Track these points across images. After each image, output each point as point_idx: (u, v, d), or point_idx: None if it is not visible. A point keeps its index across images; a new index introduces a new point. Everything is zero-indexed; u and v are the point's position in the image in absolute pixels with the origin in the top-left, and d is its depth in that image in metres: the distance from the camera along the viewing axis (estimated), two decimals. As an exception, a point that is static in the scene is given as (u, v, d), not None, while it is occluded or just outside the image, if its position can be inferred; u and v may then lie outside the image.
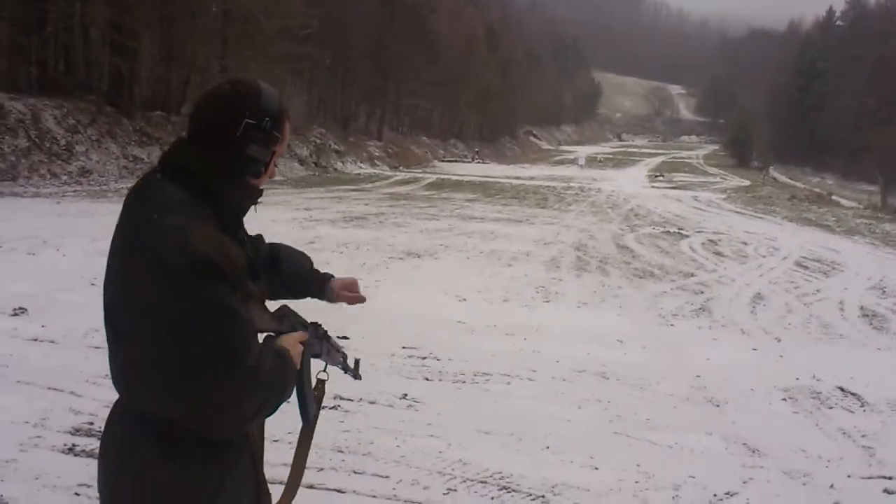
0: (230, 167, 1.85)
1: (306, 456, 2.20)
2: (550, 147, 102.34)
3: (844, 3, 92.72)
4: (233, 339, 1.69)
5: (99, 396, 5.13)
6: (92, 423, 4.80)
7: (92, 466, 4.08)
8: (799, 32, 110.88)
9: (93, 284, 8.33)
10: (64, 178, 22.09)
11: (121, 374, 1.82)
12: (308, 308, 2.24)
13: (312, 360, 2.14)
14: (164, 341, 1.66)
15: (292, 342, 1.96)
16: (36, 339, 6.68)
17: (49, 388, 5.43)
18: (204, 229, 1.73)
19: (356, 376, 2.41)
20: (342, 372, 2.37)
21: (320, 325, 2.16)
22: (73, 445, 4.53)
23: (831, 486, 4.69)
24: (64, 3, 26.34)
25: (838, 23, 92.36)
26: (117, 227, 1.85)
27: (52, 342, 6.63)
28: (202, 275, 1.67)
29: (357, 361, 2.41)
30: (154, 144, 26.62)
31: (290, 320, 2.02)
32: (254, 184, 1.92)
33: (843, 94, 73.48)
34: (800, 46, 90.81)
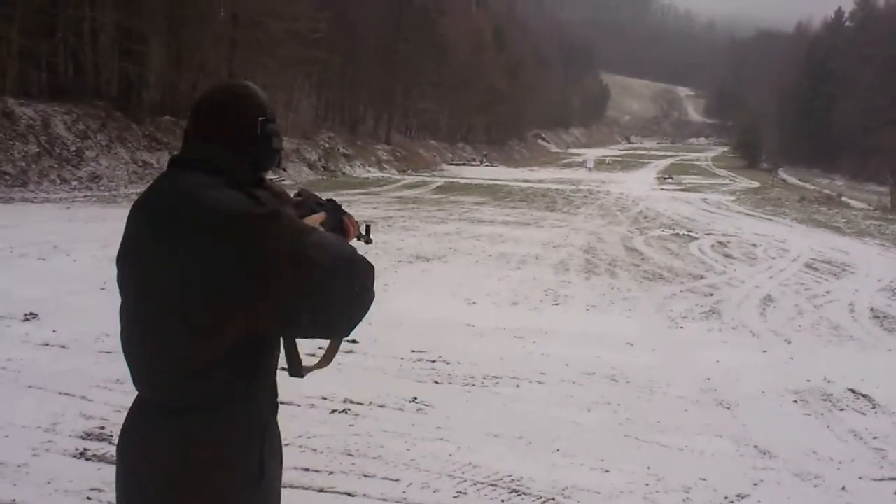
0: (256, 164, 1.97)
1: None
2: (559, 150, 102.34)
3: (853, 3, 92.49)
4: (339, 244, 1.87)
5: (110, 401, 5.14)
6: (103, 428, 4.82)
7: (104, 471, 4.14)
8: (807, 33, 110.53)
9: (103, 289, 8.36)
10: (74, 183, 22.20)
11: (172, 363, 1.81)
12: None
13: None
14: (297, 282, 1.76)
15: (313, 224, 2.06)
16: (47, 344, 6.70)
17: (60, 393, 5.44)
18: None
19: (368, 241, 2.58)
20: (356, 240, 2.48)
21: (335, 202, 2.32)
22: (85, 450, 4.54)
23: (843, 489, 4.67)
24: (73, 8, 26.47)
25: (847, 23, 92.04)
26: (145, 218, 1.87)
27: (63, 347, 6.65)
28: (282, 213, 1.83)
29: (368, 227, 2.58)
30: (163, 149, 26.70)
31: (308, 204, 2.16)
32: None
33: (852, 95, 73.28)
34: (808, 47, 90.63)
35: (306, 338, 1.94)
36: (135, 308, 1.86)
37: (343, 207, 2.37)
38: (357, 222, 2.44)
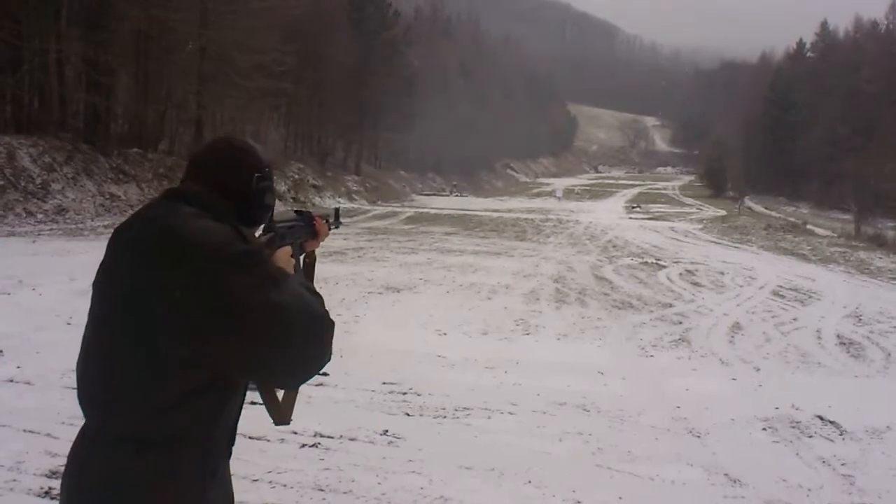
0: (244, 215, 2.00)
1: None
2: (528, 179, 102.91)
3: (814, 35, 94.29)
4: (305, 296, 1.87)
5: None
6: (65, 466, 4.72)
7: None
8: (770, 64, 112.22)
9: (69, 324, 8.25)
10: (40, 216, 21.94)
11: (133, 389, 1.80)
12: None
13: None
14: (258, 324, 1.74)
15: (285, 259, 2.11)
16: (11, 381, 6.60)
17: (25, 431, 5.36)
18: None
19: (337, 226, 2.68)
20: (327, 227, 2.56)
21: (307, 213, 2.40)
22: (50, 489, 4.46)
23: (813, 516, 4.70)
24: (38, 40, 26.31)
25: (809, 54, 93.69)
26: (125, 243, 1.88)
27: (28, 383, 6.55)
28: (263, 254, 1.88)
29: (337, 211, 2.68)
30: (131, 182, 26.49)
31: (276, 238, 2.18)
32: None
33: (815, 124, 74.47)
34: (772, 78, 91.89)
35: (258, 383, 1.96)
36: (103, 333, 1.84)
37: (310, 212, 2.44)
38: (326, 215, 2.54)
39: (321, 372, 1.97)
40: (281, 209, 2.24)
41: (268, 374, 1.87)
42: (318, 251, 2.46)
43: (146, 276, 1.76)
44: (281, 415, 2.07)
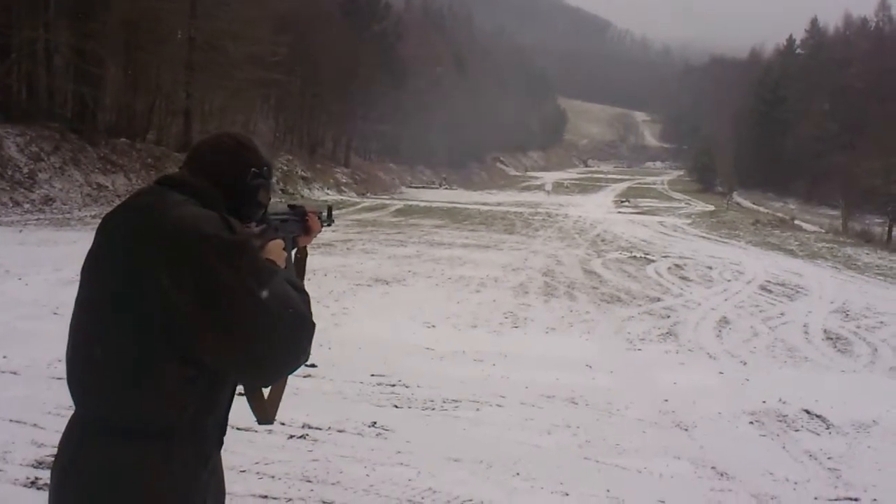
0: (235, 208, 1.98)
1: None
2: (518, 173, 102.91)
3: (804, 31, 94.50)
4: (290, 294, 1.85)
5: (62, 428, 5.02)
6: (55, 456, 4.70)
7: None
8: (760, 60, 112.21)
9: (55, 314, 8.21)
10: (26, 206, 21.81)
11: (123, 377, 1.79)
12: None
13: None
14: (245, 312, 1.73)
15: (277, 252, 2.09)
16: (-3, 370, 6.56)
17: (11, 421, 5.32)
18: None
19: (329, 223, 2.65)
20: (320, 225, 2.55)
21: (300, 207, 2.40)
22: (36, 479, 4.44)
23: (799, 509, 4.71)
24: (27, 29, 26.13)
25: (798, 51, 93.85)
26: (113, 228, 1.87)
27: (14, 373, 6.51)
28: (251, 246, 1.85)
29: (329, 209, 2.65)
30: (119, 172, 26.34)
31: (269, 231, 2.18)
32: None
33: (804, 120, 74.66)
34: (761, 74, 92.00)
35: (233, 377, 1.94)
36: (92, 321, 1.83)
37: (304, 208, 2.42)
38: (319, 211, 2.51)
39: (308, 364, 1.97)
40: (274, 202, 2.23)
41: (238, 370, 1.85)
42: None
43: (134, 263, 1.75)
44: (265, 413, 2.07)
